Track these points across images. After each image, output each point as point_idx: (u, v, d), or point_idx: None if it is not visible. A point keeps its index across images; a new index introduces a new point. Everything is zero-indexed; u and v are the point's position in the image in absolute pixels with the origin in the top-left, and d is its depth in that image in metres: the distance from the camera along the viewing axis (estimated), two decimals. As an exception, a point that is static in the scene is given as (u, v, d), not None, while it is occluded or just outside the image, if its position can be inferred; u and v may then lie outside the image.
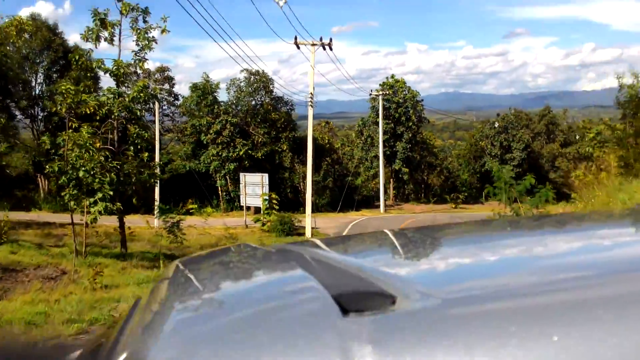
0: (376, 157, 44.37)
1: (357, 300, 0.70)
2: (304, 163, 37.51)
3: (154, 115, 27.92)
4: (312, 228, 21.83)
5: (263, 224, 22.54)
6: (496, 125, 49.06)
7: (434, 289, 0.73)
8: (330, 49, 22.40)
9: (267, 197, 23.27)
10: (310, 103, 21.40)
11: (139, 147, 12.24)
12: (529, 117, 52.05)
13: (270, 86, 37.56)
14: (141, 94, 12.17)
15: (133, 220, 15.45)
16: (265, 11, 20.15)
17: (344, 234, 23.02)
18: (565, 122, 53.25)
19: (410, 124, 44.99)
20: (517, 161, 48.59)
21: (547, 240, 1.30)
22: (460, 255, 1.18)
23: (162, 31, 12.30)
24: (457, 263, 1.10)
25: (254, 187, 24.30)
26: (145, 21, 12.31)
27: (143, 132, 12.52)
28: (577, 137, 49.85)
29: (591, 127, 51.61)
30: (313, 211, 22.19)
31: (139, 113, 13.38)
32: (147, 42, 12.20)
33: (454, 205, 44.65)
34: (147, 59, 12.52)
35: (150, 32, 12.27)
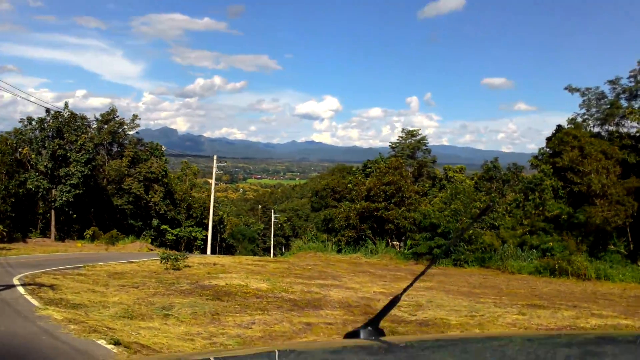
0: None
1: None
2: None
3: None
4: None
5: None
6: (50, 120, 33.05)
7: None
8: None
9: None
10: None
11: None
12: (85, 119, 38.31)
13: None
14: None
15: None
16: None
17: None
18: (134, 131, 41.71)
19: None
20: (77, 179, 34.25)
21: None
22: None
23: None
24: None
25: None
26: None
27: None
28: (153, 154, 39.45)
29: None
30: None
31: None
32: None
33: (-15, 245, 26.73)
34: None
35: None
